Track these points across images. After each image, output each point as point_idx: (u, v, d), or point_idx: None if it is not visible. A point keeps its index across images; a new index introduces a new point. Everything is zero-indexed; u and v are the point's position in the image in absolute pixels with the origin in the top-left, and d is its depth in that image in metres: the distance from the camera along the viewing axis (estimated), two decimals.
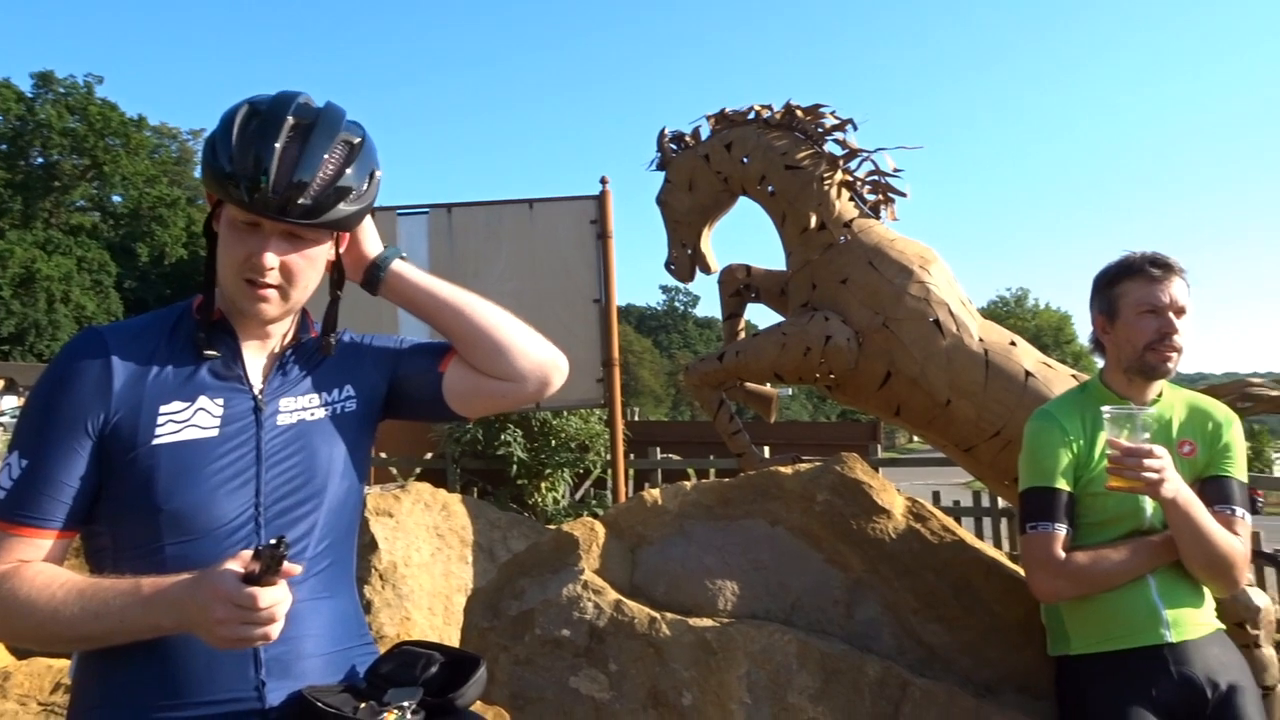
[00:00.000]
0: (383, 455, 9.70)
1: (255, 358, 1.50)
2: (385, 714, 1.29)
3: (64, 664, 2.13)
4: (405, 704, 1.32)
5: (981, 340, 3.45)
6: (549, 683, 2.42)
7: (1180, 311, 2.23)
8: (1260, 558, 5.72)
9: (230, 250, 1.42)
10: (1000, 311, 58.38)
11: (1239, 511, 2.20)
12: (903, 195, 3.68)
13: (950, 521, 2.61)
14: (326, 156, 1.40)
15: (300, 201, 1.38)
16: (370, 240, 1.60)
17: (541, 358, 1.61)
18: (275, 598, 1.20)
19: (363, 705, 1.32)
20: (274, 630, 1.22)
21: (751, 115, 3.81)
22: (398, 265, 1.60)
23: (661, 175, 4.02)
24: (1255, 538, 5.67)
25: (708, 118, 3.92)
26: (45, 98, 55.77)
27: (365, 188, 1.47)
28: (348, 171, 1.43)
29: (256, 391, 1.47)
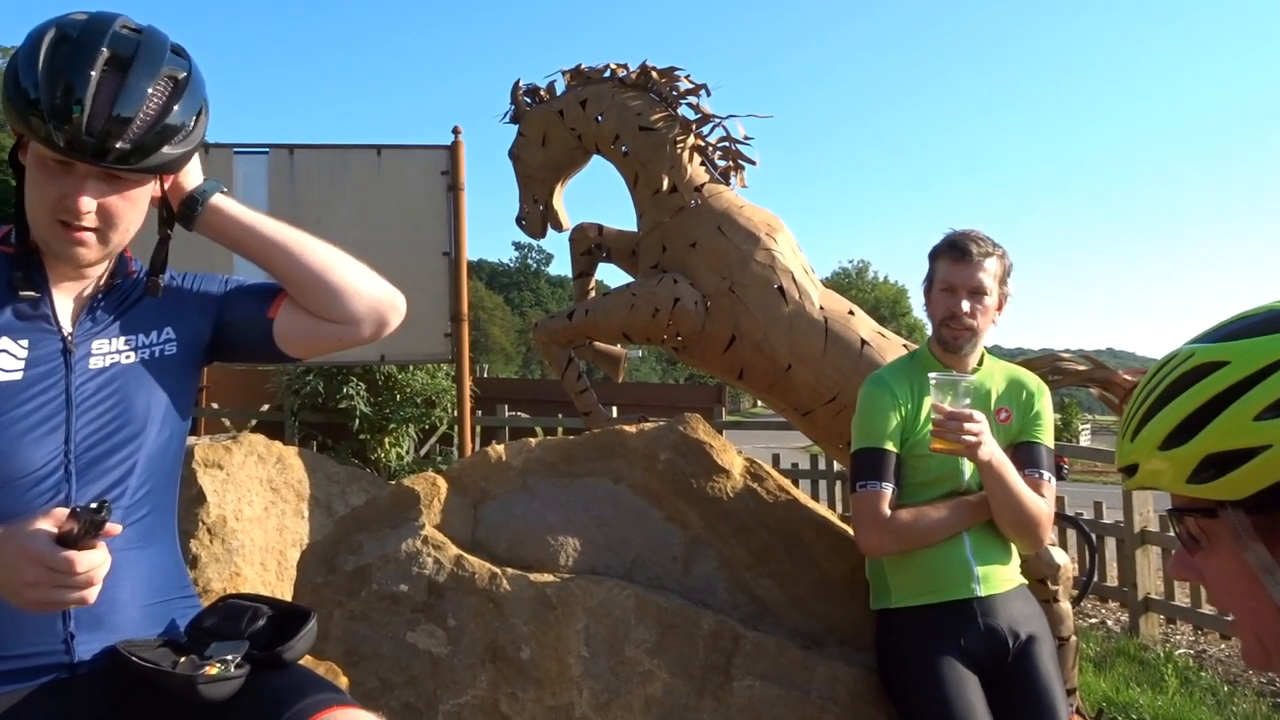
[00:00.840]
0: (215, 406, 9.28)
1: (65, 297, 1.39)
2: (207, 668, 1.24)
3: None
4: (229, 657, 1.26)
5: (822, 309, 3.56)
6: (385, 638, 2.39)
7: (976, 292, 2.37)
8: (1062, 520, 6.17)
9: (40, 189, 1.28)
10: (842, 282, 60.62)
11: (1046, 475, 2.37)
12: (752, 163, 3.75)
13: (785, 481, 2.71)
14: (151, 91, 1.27)
15: (119, 145, 1.24)
16: (189, 172, 1.46)
17: (378, 298, 1.52)
18: (93, 561, 1.13)
19: (183, 659, 1.26)
20: (91, 594, 1.15)
21: (607, 74, 3.78)
22: (218, 200, 1.47)
23: (515, 128, 3.96)
24: (1059, 501, 6.13)
25: (563, 73, 3.87)
26: None
27: (193, 127, 1.33)
28: (174, 109, 1.29)
29: (66, 333, 1.36)
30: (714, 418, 9.82)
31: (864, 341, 3.51)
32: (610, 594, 2.41)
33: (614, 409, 7.19)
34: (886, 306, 58.84)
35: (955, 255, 2.38)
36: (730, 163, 3.74)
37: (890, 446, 2.34)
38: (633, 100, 3.72)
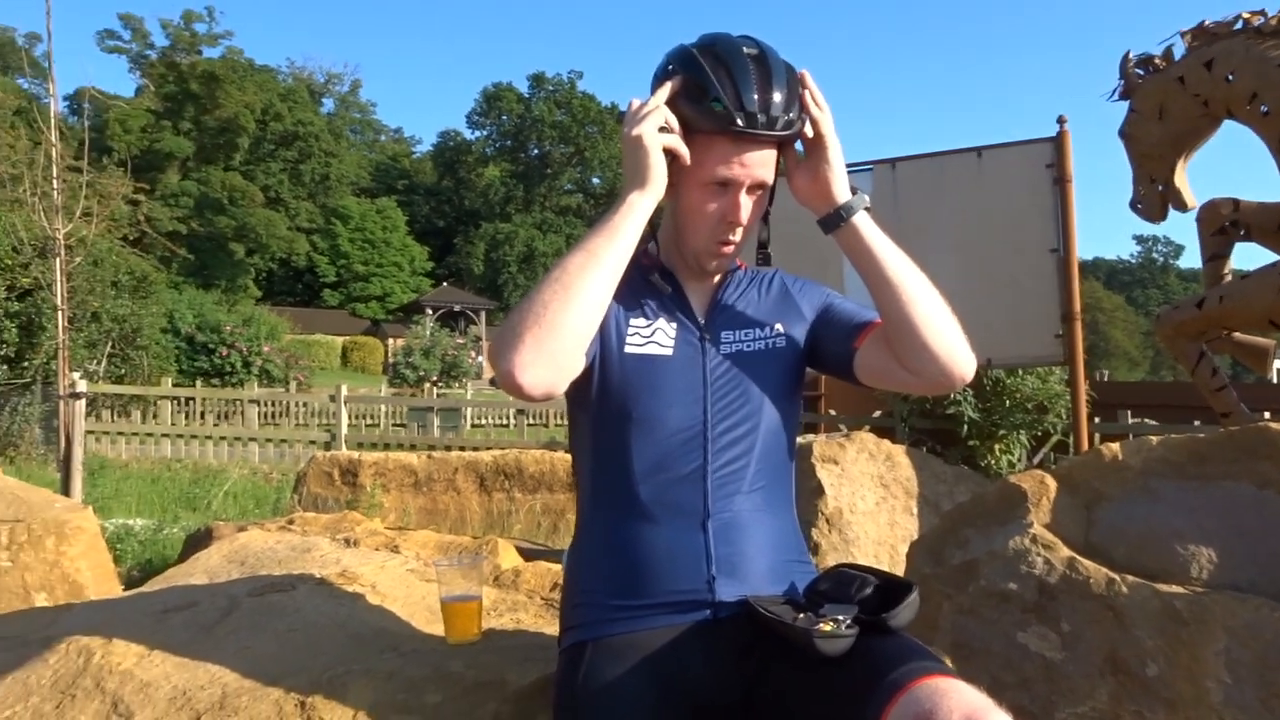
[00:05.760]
0: (832, 412, 9.93)
1: (695, 296, 1.67)
2: (821, 624, 1.38)
3: (559, 567, 2.53)
4: (841, 618, 1.39)
5: None
6: (995, 635, 2.37)
7: None
8: None
9: (703, 211, 1.57)
10: None
11: None
12: None
13: None
14: (787, 75, 1.55)
15: (786, 117, 1.53)
16: (840, 182, 1.66)
17: (953, 363, 1.54)
18: None
19: (801, 615, 1.42)
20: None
21: (1239, 25, 3.32)
22: (859, 219, 1.64)
23: (1125, 106, 3.67)
24: None
25: (1182, 34, 3.48)
26: (539, 96, 64.96)
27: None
28: (797, 85, 1.57)
29: (701, 323, 1.64)
30: None
31: None
32: (1258, 614, 2.10)
33: (1264, 415, 6.22)
34: None
35: None
36: None
37: None
38: (1273, 50, 3.21)
